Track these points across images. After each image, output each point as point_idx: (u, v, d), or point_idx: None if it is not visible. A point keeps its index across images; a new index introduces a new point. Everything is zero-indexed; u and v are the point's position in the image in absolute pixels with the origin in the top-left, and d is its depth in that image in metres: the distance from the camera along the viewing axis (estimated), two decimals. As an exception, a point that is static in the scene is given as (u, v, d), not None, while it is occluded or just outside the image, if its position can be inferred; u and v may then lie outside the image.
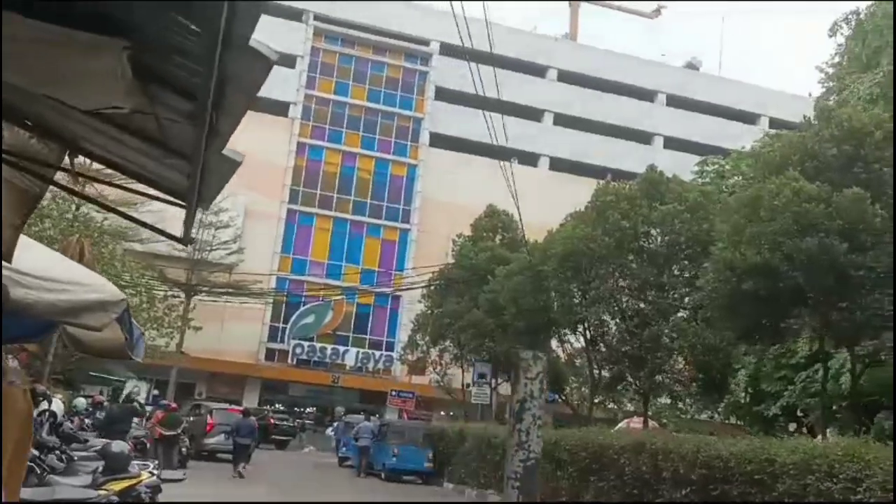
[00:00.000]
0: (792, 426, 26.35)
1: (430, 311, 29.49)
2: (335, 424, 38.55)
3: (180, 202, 4.29)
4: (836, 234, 12.72)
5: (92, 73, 2.54)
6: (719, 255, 14.03)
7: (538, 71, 52.17)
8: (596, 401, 23.77)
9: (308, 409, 47.05)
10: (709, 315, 15.66)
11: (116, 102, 2.81)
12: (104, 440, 11.26)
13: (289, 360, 44.08)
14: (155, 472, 9.54)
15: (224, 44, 2.17)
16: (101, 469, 8.38)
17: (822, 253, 12.62)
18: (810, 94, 49.31)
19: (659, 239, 20.16)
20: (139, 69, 2.63)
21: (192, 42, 2.33)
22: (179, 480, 9.93)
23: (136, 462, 9.41)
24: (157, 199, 4.05)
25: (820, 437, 21.25)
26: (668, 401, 24.77)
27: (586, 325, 21.76)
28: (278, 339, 44.64)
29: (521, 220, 17.76)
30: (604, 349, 21.43)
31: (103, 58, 2.42)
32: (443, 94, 49.38)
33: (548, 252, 21.53)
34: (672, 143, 51.52)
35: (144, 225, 4.24)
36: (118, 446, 9.04)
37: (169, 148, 3.49)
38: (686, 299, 20.48)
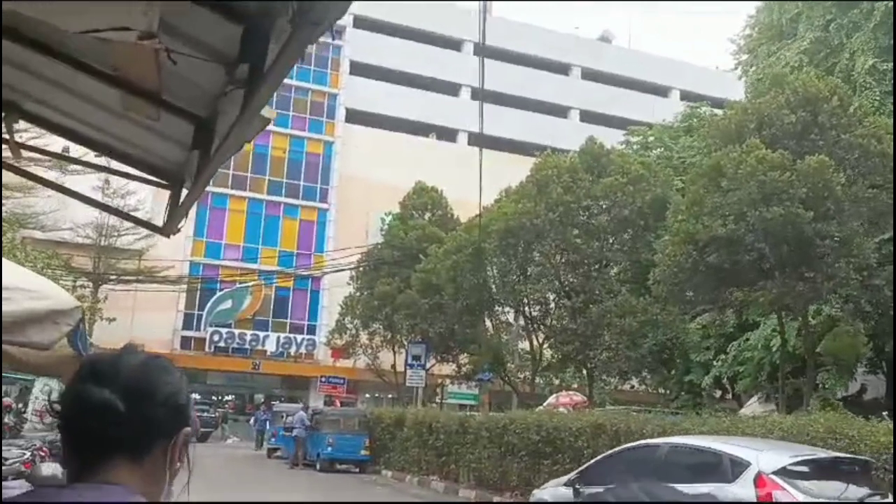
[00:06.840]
0: (717, 393, 26.71)
1: (359, 293, 28.39)
2: (256, 414, 37.21)
3: (163, 182, 3.27)
4: (799, 203, 12.38)
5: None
6: (679, 227, 13.53)
7: (454, 45, 51.23)
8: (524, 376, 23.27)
9: (228, 398, 45.40)
10: (662, 290, 15.17)
11: (124, 21, 1.79)
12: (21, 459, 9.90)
13: (206, 349, 42.17)
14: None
15: None
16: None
17: (788, 222, 12.27)
18: (717, 67, 50.34)
19: (602, 212, 19.59)
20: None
21: None
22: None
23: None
24: (137, 178, 3.01)
25: (765, 406, 21.39)
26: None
27: (527, 302, 21.15)
28: (194, 326, 42.67)
29: (480, 200, 16.89)
30: (544, 327, 20.84)
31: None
32: (358, 69, 47.90)
33: (487, 229, 20.76)
34: (588, 117, 51.50)
35: (119, 214, 3.21)
36: (48, 468, 7.80)
37: (167, 104, 2.46)
38: (628, 273, 20.12)
